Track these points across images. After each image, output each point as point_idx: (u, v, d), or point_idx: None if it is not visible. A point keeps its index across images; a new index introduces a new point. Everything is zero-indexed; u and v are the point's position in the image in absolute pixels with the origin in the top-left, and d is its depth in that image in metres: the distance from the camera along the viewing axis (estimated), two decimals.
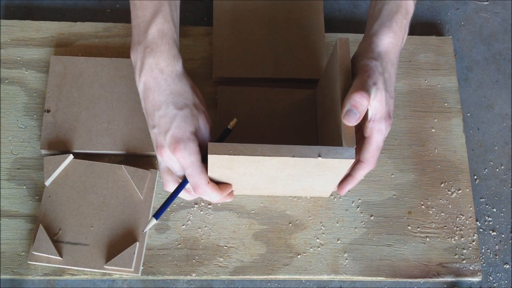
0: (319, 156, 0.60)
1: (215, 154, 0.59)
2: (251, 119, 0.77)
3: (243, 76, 0.80)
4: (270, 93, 0.79)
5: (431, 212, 0.77)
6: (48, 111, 0.75)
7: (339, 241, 0.74)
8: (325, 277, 0.73)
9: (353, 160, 0.61)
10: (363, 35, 0.86)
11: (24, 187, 0.74)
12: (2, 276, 0.69)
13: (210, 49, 0.83)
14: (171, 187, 0.67)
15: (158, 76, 0.63)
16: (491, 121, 0.84)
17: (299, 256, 0.73)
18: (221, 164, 0.62)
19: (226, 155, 0.59)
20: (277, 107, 0.78)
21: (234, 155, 0.59)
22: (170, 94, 0.63)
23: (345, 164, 0.62)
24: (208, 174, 0.66)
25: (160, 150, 0.63)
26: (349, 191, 0.74)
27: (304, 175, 0.66)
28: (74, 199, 0.72)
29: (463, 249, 0.75)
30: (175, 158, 0.63)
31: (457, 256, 0.75)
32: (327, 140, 0.70)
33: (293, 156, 0.60)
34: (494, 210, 0.79)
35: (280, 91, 0.79)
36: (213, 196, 0.66)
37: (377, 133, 0.65)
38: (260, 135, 0.76)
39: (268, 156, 0.60)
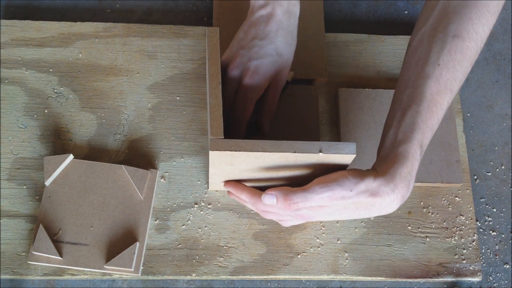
0: (320, 151, 0.60)
1: (217, 150, 0.59)
2: (251, 118, 0.77)
3: None
4: None
5: (431, 212, 0.77)
6: None
7: (339, 241, 0.74)
8: (325, 277, 0.73)
9: (354, 156, 0.61)
10: (363, 35, 0.86)
11: (24, 187, 0.74)
12: (2, 276, 0.69)
13: None
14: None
15: (285, 15, 0.70)
16: (491, 121, 0.84)
17: (299, 256, 0.73)
18: (222, 160, 0.62)
19: (227, 151, 0.59)
20: (279, 104, 0.78)
21: (236, 151, 0.59)
22: (279, 37, 0.70)
23: (346, 159, 0.62)
24: (210, 170, 0.66)
25: (233, 63, 0.69)
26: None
27: (305, 173, 0.66)
28: (74, 199, 0.72)
29: (463, 249, 0.75)
30: (241, 80, 0.69)
31: (457, 256, 0.75)
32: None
33: (294, 152, 0.60)
34: (494, 210, 0.79)
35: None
36: (243, 117, 0.70)
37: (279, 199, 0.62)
38: (262, 132, 0.76)
39: (269, 152, 0.60)
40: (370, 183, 0.58)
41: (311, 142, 0.60)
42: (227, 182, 0.69)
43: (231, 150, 0.59)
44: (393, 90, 0.80)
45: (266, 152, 0.60)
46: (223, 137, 0.60)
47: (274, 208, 0.63)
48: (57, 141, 0.76)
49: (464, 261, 0.74)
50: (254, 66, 0.69)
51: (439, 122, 0.62)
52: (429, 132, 0.60)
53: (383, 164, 0.59)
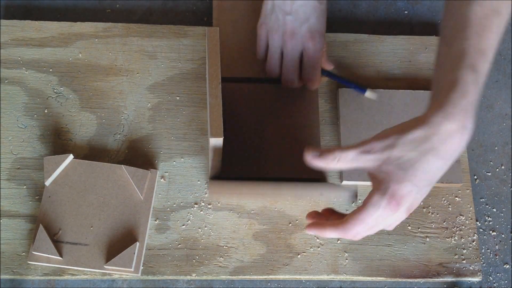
0: (321, 195, 0.61)
1: (215, 193, 0.61)
2: (253, 117, 0.77)
3: (243, 76, 0.80)
4: (271, 90, 0.79)
5: (431, 212, 0.77)
6: None
7: (339, 241, 0.74)
8: (325, 277, 0.73)
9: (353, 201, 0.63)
10: (363, 35, 0.86)
11: (24, 187, 0.74)
12: (2, 276, 0.69)
13: None
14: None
15: None
16: (491, 121, 0.84)
17: (299, 256, 0.73)
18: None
19: (226, 195, 0.60)
20: (279, 104, 0.78)
21: (234, 195, 0.61)
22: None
23: (347, 202, 0.63)
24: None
25: (290, 36, 0.73)
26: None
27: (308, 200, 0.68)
28: (74, 199, 0.72)
29: (463, 249, 0.75)
30: (302, 46, 0.73)
31: (457, 256, 0.75)
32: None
33: (294, 196, 0.61)
34: (494, 210, 0.79)
35: (282, 88, 0.79)
36: (292, 80, 0.76)
37: (371, 206, 0.56)
38: (262, 133, 0.76)
39: (269, 197, 0.61)
40: (417, 125, 0.53)
41: (312, 184, 0.63)
42: (310, 228, 0.63)
43: (230, 195, 0.60)
44: (393, 91, 0.81)
45: (265, 197, 0.61)
46: (223, 137, 0.61)
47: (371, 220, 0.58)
48: (57, 141, 0.76)
49: (464, 261, 0.74)
50: (307, 27, 0.73)
51: (494, 46, 0.55)
52: (481, 56, 0.54)
53: (431, 106, 0.54)
